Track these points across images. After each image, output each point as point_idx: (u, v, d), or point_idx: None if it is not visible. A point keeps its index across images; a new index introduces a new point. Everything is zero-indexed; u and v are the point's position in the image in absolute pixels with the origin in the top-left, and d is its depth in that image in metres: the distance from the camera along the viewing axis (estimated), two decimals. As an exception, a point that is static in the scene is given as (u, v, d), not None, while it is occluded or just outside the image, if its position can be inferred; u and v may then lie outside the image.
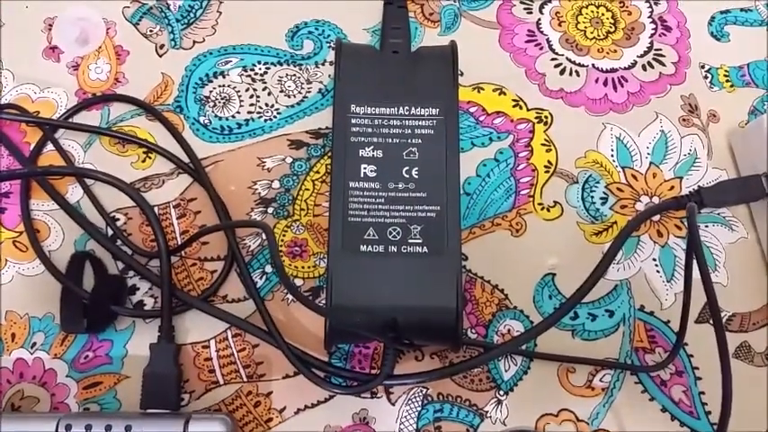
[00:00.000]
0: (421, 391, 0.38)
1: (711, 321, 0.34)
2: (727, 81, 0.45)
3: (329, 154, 0.41)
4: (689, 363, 0.38)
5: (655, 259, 0.40)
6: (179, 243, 0.40)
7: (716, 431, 0.33)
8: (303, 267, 0.40)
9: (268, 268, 0.40)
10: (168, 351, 0.37)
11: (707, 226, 0.41)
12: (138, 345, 0.38)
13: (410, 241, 0.35)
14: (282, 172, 0.42)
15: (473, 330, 0.39)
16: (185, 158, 0.42)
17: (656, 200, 0.41)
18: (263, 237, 0.40)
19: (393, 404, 0.37)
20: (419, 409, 0.37)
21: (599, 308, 0.39)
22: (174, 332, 0.38)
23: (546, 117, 0.43)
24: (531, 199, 0.41)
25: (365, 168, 0.36)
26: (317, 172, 0.42)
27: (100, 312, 0.38)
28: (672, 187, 0.42)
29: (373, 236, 0.35)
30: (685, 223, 0.40)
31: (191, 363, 0.38)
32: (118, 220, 0.41)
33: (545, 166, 0.42)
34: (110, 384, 0.38)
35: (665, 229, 0.41)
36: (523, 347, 0.38)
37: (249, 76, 0.44)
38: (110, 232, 0.40)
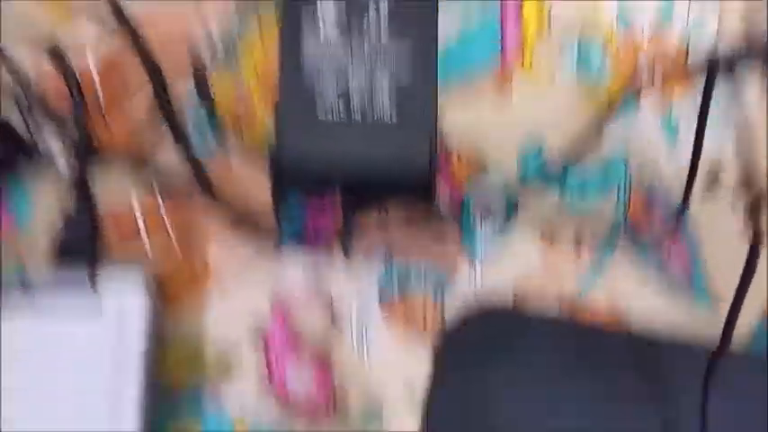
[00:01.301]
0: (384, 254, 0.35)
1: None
2: None
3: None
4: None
5: (657, 129, 0.37)
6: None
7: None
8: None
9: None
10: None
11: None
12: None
13: (377, 109, 0.30)
14: (228, 27, 0.36)
15: (448, 209, 0.36)
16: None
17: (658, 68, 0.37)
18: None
19: (350, 266, 0.35)
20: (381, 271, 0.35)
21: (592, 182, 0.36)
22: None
23: (539, -32, 0.37)
24: (520, 62, 0.37)
25: (323, 24, 0.31)
26: (269, 26, 0.36)
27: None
28: (677, 50, 0.37)
29: (334, 103, 0.30)
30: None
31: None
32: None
33: (536, 26, 0.37)
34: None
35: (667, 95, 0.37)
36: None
37: None
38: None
